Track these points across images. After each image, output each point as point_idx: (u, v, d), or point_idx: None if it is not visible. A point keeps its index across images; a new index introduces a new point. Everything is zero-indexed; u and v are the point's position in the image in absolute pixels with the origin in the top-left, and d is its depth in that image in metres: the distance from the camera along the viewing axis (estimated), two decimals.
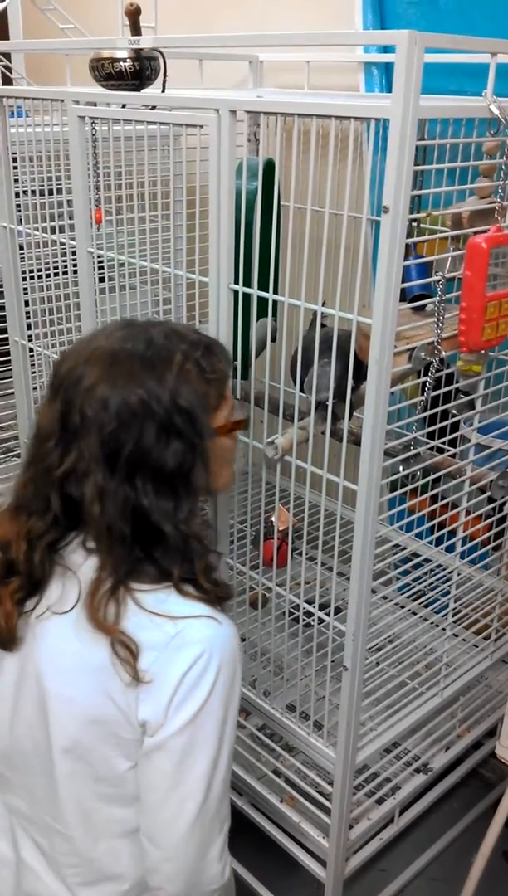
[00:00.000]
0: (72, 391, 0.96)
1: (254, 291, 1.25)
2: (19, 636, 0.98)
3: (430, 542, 1.46)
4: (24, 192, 1.75)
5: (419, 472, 1.29)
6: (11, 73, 2.15)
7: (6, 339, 1.91)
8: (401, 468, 1.25)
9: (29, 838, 1.05)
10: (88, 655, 0.93)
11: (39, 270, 1.82)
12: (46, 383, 1.03)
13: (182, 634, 0.92)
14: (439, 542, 1.46)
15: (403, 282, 1.05)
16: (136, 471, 0.94)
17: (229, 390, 1.08)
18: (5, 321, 1.89)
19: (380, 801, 1.56)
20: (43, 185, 1.74)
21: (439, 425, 1.32)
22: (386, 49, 1.73)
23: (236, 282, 1.27)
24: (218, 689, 0.92)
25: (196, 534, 0.98)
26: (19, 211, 1.78)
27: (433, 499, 1.36)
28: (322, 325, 1.20)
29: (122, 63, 1.42)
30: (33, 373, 1.94)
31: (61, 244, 1.71)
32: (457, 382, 1.34)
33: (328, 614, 1.33)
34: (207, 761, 0.93)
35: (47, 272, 1.83)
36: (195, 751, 0.92)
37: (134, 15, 1.43)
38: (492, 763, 1.83)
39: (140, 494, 0.94)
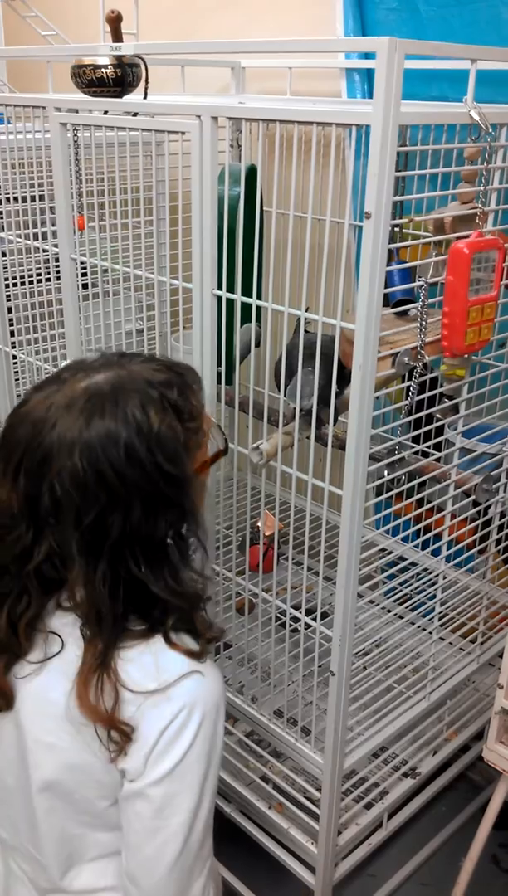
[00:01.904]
0: (37, 470, 0.85)
1: (237, 297, 1.25)
2: (8, 699, 0.94)
3: (416, 546, 1.46)
4: (7, 198, 1.75)
5: (404, 477, 1.29)
6: None
7: None
8: (386, 472, 1.25)
9: (14, 864, 1.04)
10: (69, 705, 0.90)
11: (22, 277, 1.81)
12: None
13: (164, 690, 0.89)
14: (425, 545, 1.46)
15: (386, 287, 1.05)
16: (123, 549, 0.87)
17: (206, 422, 0.99)
18: None
19: (368, 806, 1.56)
20: (25, 192, 1.74)
21: (423, 429, 1.32)
22: (368, 55, 1.74)
23: (220, 287, 1.27)
24: (199, 742, 0.89)
25: (195, 592, 0.93)
26: (1, 218, 1.77)
27: (419, 503, 1.36)
28: (306, 331, 1.20)
29: (103, 70, 1.42)
30: (17, 380, 1.93)
31: (44, 251, 1.71)
32: (441, 387, 1.35)
33: (314, 619, 1.32)
34: (187, 810, 0.90)
35: (31, 279, 1.83)
36: (176, 800, 0.89)
37: (115, 22, 1.43)
38: (480, 766, 1.83)
39: (131, 569, 0.88)
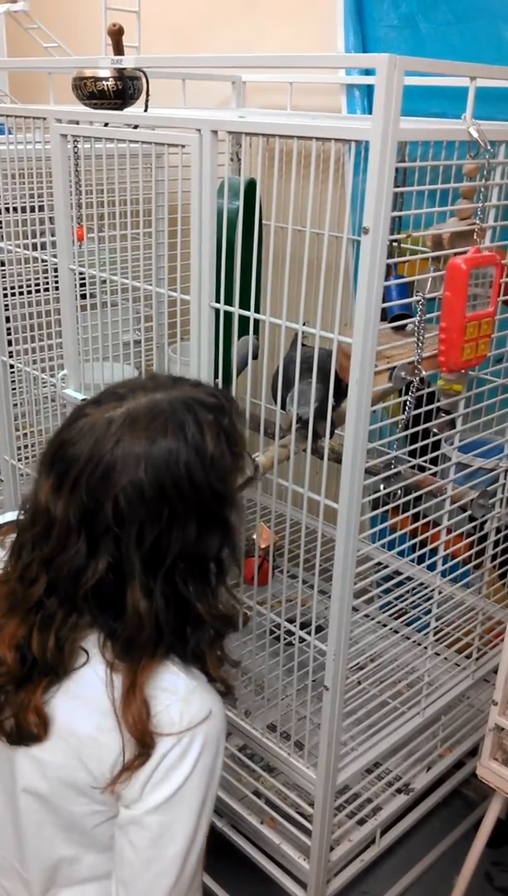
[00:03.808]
0: (99, 486, 0.85)
1: (235, 310, 1.25)
2: (46, 727, 0.91)
3: (411, 561, 1.46)
4: (6, 209, 1.75)
5: (400, 491, 1.29)
6: None
7: None
8: (382, 486, 1.25)
9: None
10: (74, 724, 0.90)
11: (21, 287, 1.82)
12: (44, 461, 0.91)
13: (168, 712, 0.88)
14: (420, 560, 1.46)
15: (383, 301, 1.05)
16: (177, 565, 0.89)
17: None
18: None
19: (361, 822, 1.55)
20: (25, 203, 1.74)
21: (420, 444, 1.32)
22: (368, 71, 1.75)
23: (218, 300, 1.27)
24: (198, 771, 0.89)
25: (227, 614, 0.95)
26: (1, 228, 1.77)
27: (415, 517, 1.36)
28: (303, 345, 1.20)
29: (104, 82, 1.43)
30: (13, 389, 1.93)
31: (43, 261, 1.71)
32: (438, 401, 1.35)
33: (309, 633, 1.32)
34: (183, 840, 0.89)
35: (29, 289, 1.83)
36: (172, 829, 0.89)
37: (117, 35, 1.43)
38: (474, 782, 1.82)
39: (181, 587, 0.89)
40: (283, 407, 1.31)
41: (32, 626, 0.90)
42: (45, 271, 1.78)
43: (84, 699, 0.90)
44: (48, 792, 0.92)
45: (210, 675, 0.96)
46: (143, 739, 0.86)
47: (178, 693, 0.90)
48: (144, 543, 0.86)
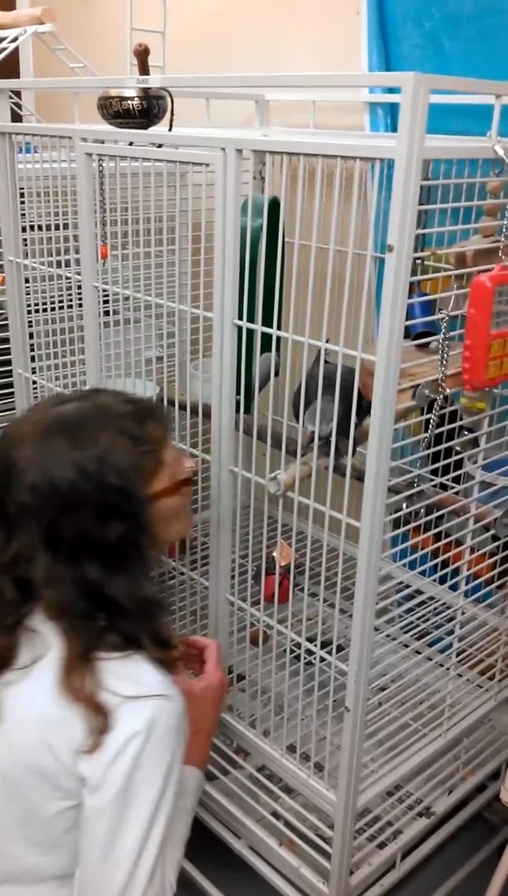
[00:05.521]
0: (7, 478, 0.98)
1: (258, 327, 1.25)
2: None
3: (434, 580, 1.44)
4: (31, 226, 1.77)
5: (422, 510, 1.28)
6: (21, 109, 2.18)
7: (10, 371, 1.92)
8: (405, 505, 1.24)
9: None
10: (43, 708, 0.95)
11: (45, 304, 1.83)
12: None
13: (133, 703, 0.95)
14: (443, 580, 1.44)
15: (407, 319, 1.05)
16: (80, 551, 0.96)
17: (168, 453, 1.09)
18: (9, 353, 1.90)
19: (381, 846, 1.52)
20: (50, 220, 1.76)
21: (443, 462, 1.31)
22: (392, 90, 1.75)
23: (240, 317, 1.27)
24: (156, 759, 0.94)
25: (152, 598, 1.01)
26: (26, 245, 1.79)
27: (437, 536, 1.35)
28: (326, 362, 1.20)
29: (129, 101, 1.44)
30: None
31: (67, 278, 1.72)
32: (461, 420, 1.34)
33: (329, 653, 1.31)
34: (139, 829, 0.93)
35: (53, 305, 1.84)
36: (130, 816, 0.93)
37: (143, 55, 1.45)
38: (496, 806, 1.79)
39: (89, 572, 0.96)
40: (304, 423, 1.31)
41: None
42: (69, 288, 1.79)
43: (50, 683, 0.95)
44: (12, 774, 0.96)
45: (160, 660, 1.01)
46: (93, 705, 0.93)
47: (130, 677, 0.97)
48: (41, 528, 0.96)
